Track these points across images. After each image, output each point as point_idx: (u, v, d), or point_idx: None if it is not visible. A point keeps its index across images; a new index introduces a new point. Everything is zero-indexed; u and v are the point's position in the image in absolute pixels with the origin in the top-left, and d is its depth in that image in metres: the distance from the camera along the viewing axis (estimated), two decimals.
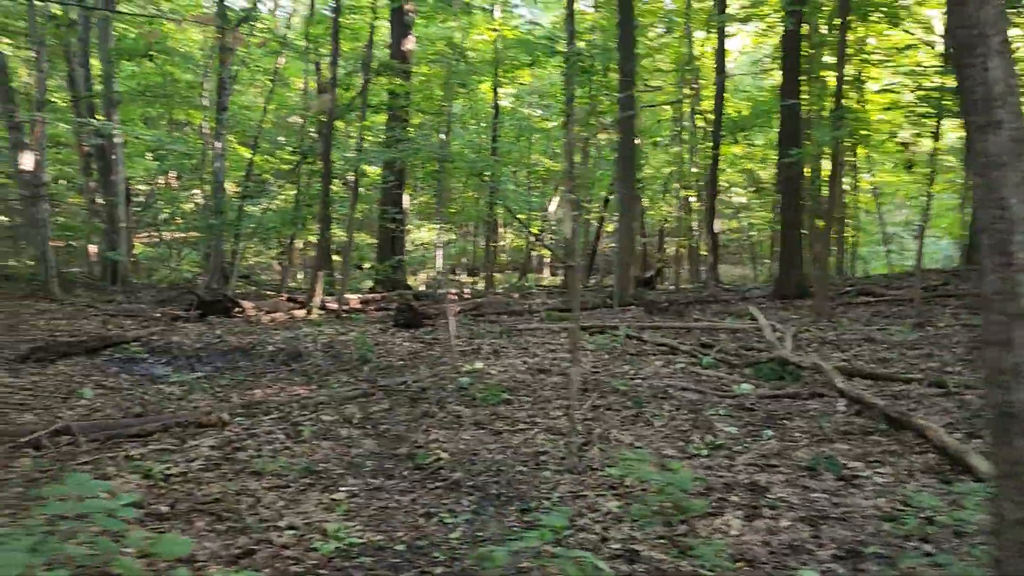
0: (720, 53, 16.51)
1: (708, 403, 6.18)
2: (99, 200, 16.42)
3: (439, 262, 16.26)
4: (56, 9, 14.55)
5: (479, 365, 7.63)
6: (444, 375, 7.40)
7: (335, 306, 12.96)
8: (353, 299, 13.85)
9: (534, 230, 23.12)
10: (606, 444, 5.19)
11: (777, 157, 19.72)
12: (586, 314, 11.19)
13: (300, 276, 25.41)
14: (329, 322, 11.18)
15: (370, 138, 25.32)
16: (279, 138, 21.18)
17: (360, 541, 3.73)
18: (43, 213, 13.47)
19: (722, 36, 16.16)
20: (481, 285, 23.09)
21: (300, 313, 12.24)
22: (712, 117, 18.24)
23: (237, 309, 11.73)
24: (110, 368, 8.25)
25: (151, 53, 14.41)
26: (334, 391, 6.75)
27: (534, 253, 28.33)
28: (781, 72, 12.99)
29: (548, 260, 29.01)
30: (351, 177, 15.35)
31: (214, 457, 5.09)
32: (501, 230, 27.81)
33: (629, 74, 11.99)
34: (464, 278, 29.67)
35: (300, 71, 25.16)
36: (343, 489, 4.47)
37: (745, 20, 16.63)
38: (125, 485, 4.53)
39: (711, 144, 18.20)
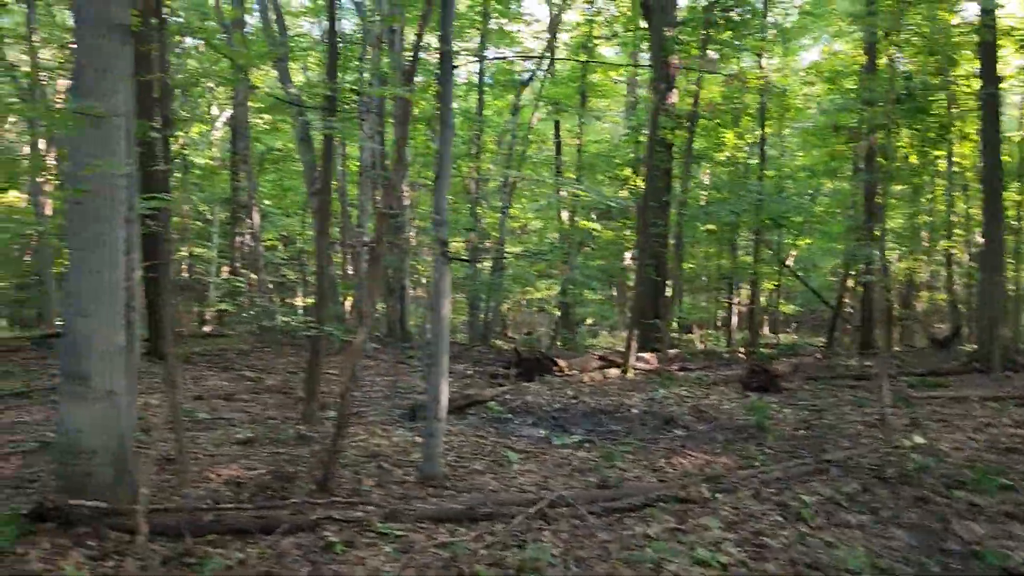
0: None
1: None
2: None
3: (734, 320, 15.46)
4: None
5: (920, 440, 6.75)
6: (880, 449, 6.61)
7: (643, 365, 12.56)
8: (649, 357, 13.38)
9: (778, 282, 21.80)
10: None
11: None
12: (956, 379, 9.97)
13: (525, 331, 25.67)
14: (656, 382, 10.70)
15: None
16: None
17: None
18: (363, 271, 14.20)
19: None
20: (718, 344, 22.08)
21: (613, 372, 11.92)
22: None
23: (556, 367, 11.60)
24: (486, 427, 8.20)
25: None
26: (781, 466, 6.15)
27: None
28: None
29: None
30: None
31: (736, 540, 4.62)
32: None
33: (993, 111, 10.76)
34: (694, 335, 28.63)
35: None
36: None
37: None
38: (686, 571, 4.14)
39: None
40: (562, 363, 11.81)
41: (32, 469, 5.51)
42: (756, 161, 19.39)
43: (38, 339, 13.48)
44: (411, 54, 5.25)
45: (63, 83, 18.00)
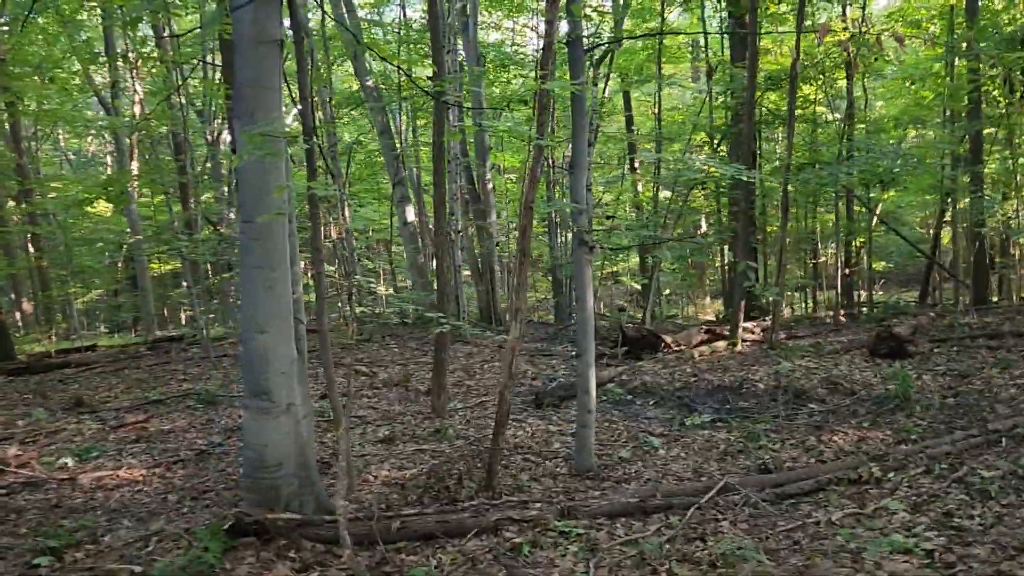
0: None
1: None
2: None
3: (839, 284, 15.00)
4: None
5: None
6: None
7: (749, 336, 12.26)
8: (752, 327, 13.05)
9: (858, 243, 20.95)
10: None
11: None
12: None
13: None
14: (773, 354, 10.40)
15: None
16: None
17: None
18: (457, 259, 14.27)
19: None
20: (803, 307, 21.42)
21: (720, 344, 11.65)
22: None
23: (663, 344, 11.41)
24: (611, 411, 8.10)
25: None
26: (947, 439, 5.87)
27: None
28: None
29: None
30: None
31: (928, 524, 4.42)
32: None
33: None
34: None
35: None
36: None
37: None
38: (891, 564, 3.97)
39: None
40: (668, 339, 11.60)
41: (199, 479, 5.66)
42: (838, 116, 18.65)
43: (151, 344, 13.97)
44: (543, 44, 5.12)
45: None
